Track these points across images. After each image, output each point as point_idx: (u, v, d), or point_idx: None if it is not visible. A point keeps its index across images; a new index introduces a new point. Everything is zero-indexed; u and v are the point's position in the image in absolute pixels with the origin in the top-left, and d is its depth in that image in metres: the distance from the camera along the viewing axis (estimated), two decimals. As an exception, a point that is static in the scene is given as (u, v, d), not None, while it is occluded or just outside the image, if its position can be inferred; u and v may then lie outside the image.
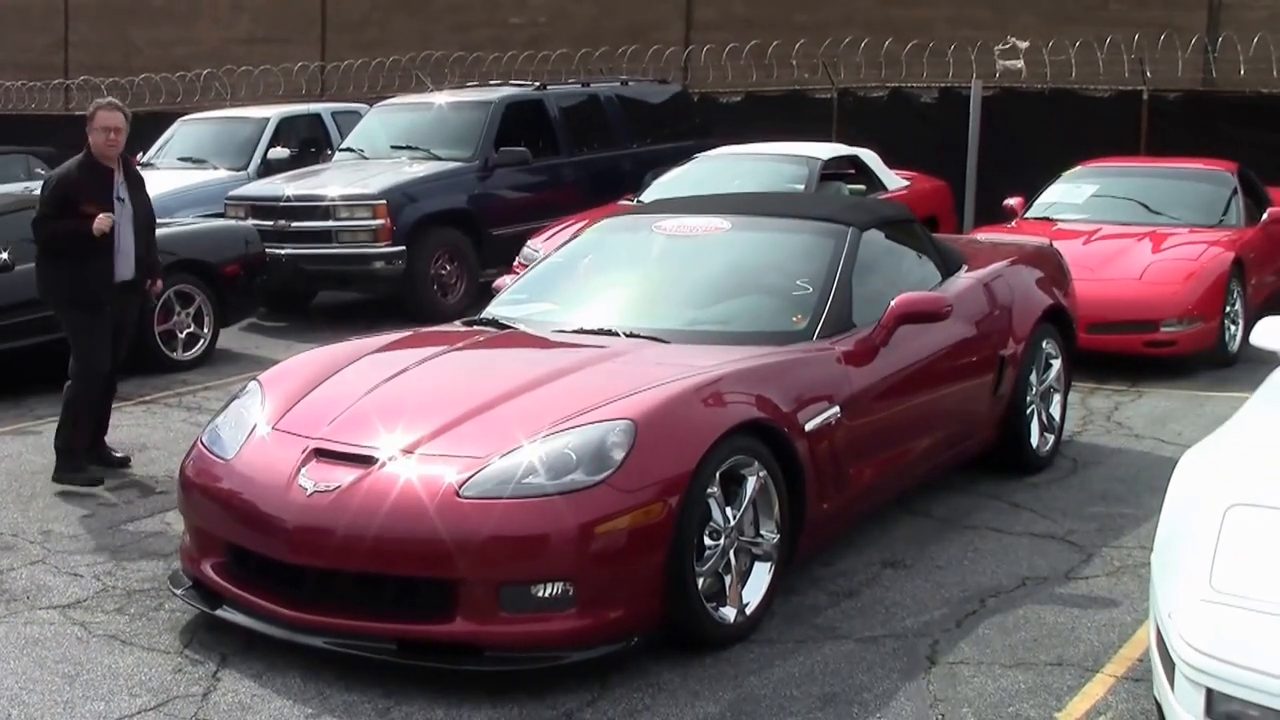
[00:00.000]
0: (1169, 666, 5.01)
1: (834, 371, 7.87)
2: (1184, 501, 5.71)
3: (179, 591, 7.31)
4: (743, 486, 6.99)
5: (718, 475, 6.78)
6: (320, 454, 6.95)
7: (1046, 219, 15.36)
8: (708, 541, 6.77)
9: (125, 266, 10.42)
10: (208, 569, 7.15)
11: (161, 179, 19.70)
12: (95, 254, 10.23)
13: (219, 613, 7.01)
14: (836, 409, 7.67)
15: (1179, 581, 5.15)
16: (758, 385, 7.30)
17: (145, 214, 10.75)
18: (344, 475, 6.71)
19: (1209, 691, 4.77)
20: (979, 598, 7.54)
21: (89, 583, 7.94)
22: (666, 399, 6.85)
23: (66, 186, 10.29)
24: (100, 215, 10.12)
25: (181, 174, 20.26)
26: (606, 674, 6.53)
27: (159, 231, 14.80)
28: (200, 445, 7.59)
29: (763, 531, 7.13)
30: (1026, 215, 15.72)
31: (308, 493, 6.68)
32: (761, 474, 7.04)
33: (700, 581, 6.69)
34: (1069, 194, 16.03)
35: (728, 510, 6.89)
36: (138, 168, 11.21)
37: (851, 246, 8.72)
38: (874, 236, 9.07)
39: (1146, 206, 15.39)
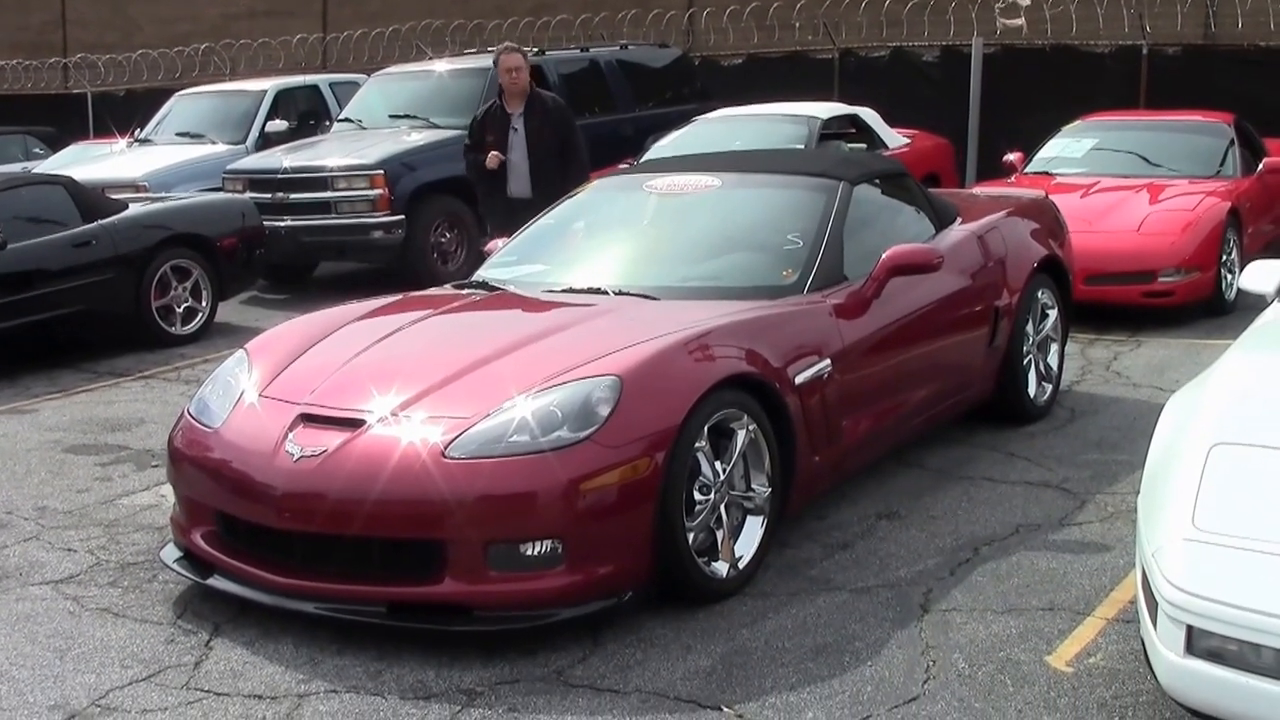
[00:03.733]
0: (1152, 605, 4.98)
1: (825, 325, 7.83)
2: (1169, 442, 5.70)
3: (170, 562, 7.29)
4: (732, 441, 6.95)
5: (706, 430, 6.74)
6: (307, 419, 6.91)
7: (1046, 173, 15.39)
8: (698, 496, 6.74)
9: (520, 186, 13.10)
10: (198, 538, 7.13)
11: (159, 154, 19.91)
12: (495, 179, 13.11)
13: (210, 582, 6.98)
14: (827, 362, 7.64)
15: (1162, 521, 5.13)
16: (746, 339, 7.26)
17: (546, 141, 13.10)
18: (330, 439, 6.68)
19: (1189, 628, 4.74)
20: (973, 546, 7.52)
21: (82, 557, 7.91)
22: (652, 354, 6.82)
23: (476, 121, 13.54)
24: (491, 153, 13.06)
25: (179, 149, 20.22)
26: (598, 630, 6.52)
27: (155, 206, 14.96)
28: (188, 415, 7.56)
29: (754, 485, 7.10)
30: (1026, 170, 15.75)
31: (294, 458, 6.64)
32: (751, 428, 7.00)
33: (691, 536, 6.66)
34: (1068, 148, 16.05)
35: (717, 465, 6.85)
36: (546, 98, 13.54)
37: (843, 201, 8.67)
38: (865, 191, 9.02)
39: (1145, 159, 15.40)
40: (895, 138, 18.08)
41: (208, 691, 6.12)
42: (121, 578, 7.57)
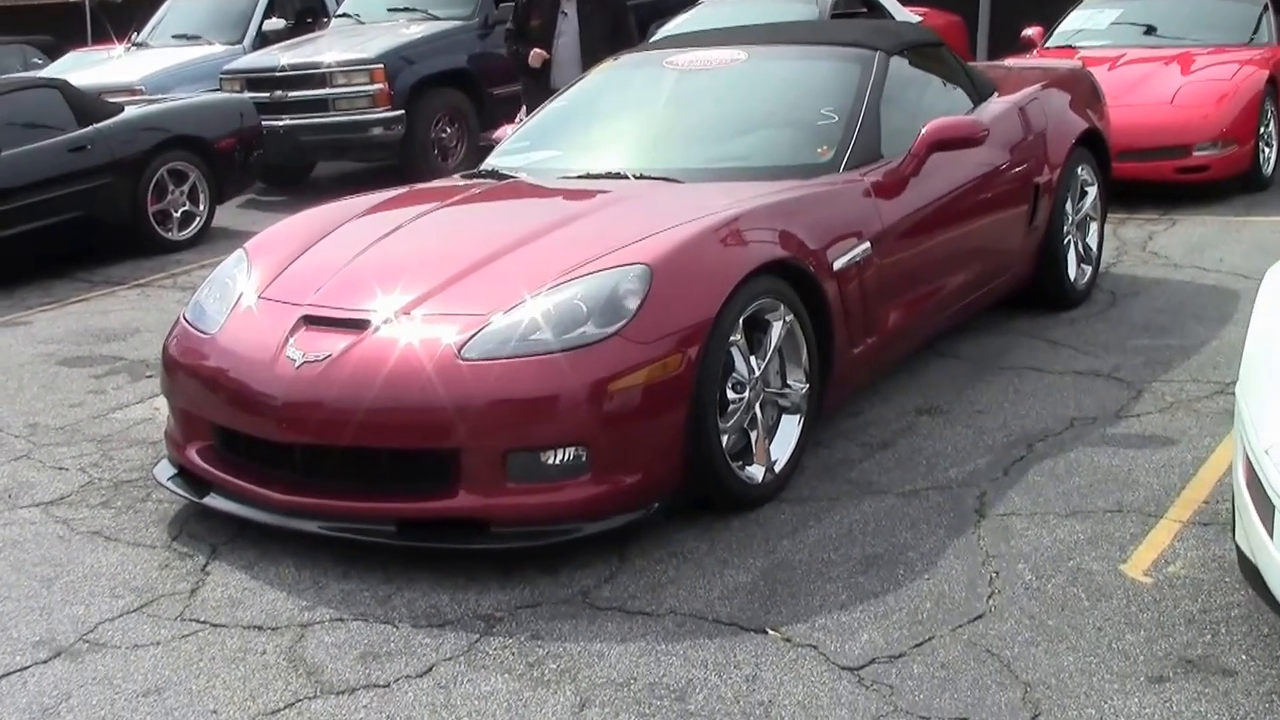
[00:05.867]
0: (1267, 510, 4.36)
1: (863, 205, 7.31)
2: (1273, 321, 5.09)
3: (164, 480, 6.80)
4: (768, 334, 6.45)
5: (741, 322, 6.23)
6: (309, 321, 6.39)
7: (1069, 47, 14.89)
8: (731, 395, 6.24)
9: (570, 72, 12.55)
10: (193, 454, 6.63)
11: (156, 57, 19.63)
12: (539, 71, 13.33)
13: (206, 501, 6.50)
14: (867, 245, 7.13)
15: (1276, 413, 4.50)
16: (781, 222, 6.74)
17: (598, 25, 13.28)
18: (335, 343, 6.16)
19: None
20: (1025, 443, 7.01)
21: (74, 476, 7.47)
22: (682, 240, 6.29)
23: (519, 5, 13.75)
24: (534, 51, 13.36)
25: (176, 51, 19.80)
26: (625, 545, 6.03)
27: (151, 108, 14.59)
28: (183, 320, 7.03)
29: (790, 382, 6.61)
30: (1047, 44, 15.23)
31: (296, 364, 6.12)
32: (788, 318, 6.50)
33: (725, 439, 6.16)
34: (1091, 20, 15.53)
35: (752, 360, 6.36)
36: None
37: (879, 72, 8.17)
38: (901, 62, 8.51)
39: (1173, 29, 14.82)
40: (907, 15, 17.52)
41: (204, 623, 5.64)
42: (114, 498, 7.11)
